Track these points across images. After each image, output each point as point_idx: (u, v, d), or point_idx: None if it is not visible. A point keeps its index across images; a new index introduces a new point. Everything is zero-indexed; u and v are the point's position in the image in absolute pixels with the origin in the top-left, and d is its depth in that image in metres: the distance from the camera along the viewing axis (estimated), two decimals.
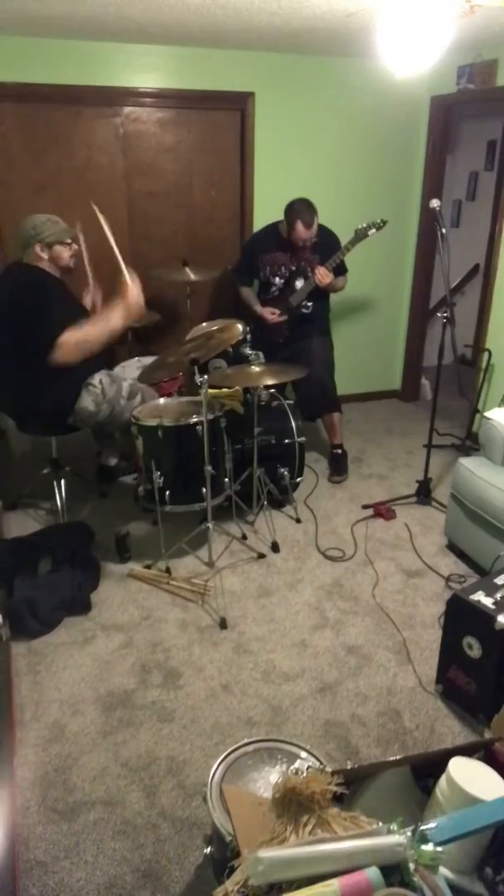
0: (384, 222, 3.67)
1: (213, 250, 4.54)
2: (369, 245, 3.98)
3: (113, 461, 3.90)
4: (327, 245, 3.80)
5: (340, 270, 3.89)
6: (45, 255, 3.08)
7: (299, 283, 3.89)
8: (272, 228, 3.99)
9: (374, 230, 3.66)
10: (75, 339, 2.91)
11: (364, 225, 3.67)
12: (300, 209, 3.69)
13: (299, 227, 3.69)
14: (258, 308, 4.02)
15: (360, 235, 3.67)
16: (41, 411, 3.25)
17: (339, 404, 4.07)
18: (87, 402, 3.20)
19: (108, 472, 3.90)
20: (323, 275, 3.72)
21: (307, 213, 3.67)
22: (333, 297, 4.12)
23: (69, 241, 3.13)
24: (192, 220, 4.51)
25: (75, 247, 3.18)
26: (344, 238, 3.77)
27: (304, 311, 3.92)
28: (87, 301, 3.52)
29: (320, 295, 3.94)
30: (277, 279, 3.97)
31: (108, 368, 3.44)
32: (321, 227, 3.86)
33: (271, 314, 3.94)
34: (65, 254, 3.12)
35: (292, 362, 3.64)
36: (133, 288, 2.98)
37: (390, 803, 1.54)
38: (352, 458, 4.25)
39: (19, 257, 3.14)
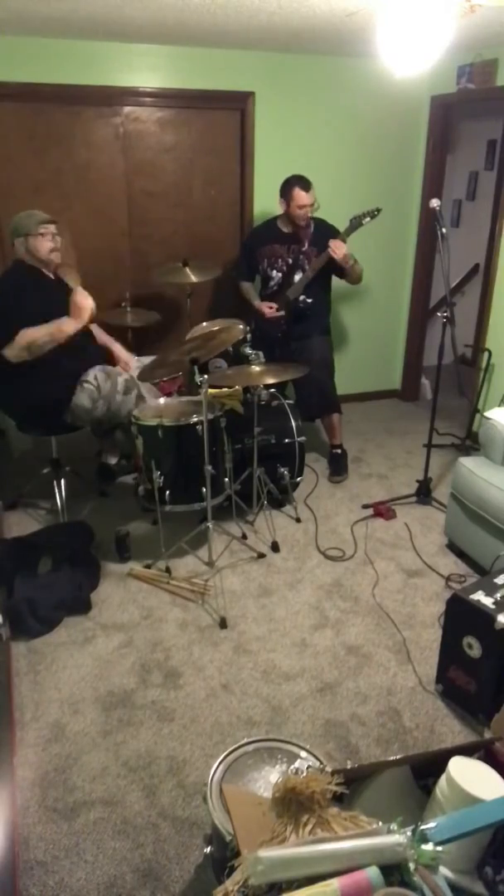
0: (378, 210, 3.68)
1: (213, 250, 4.54)
2: (369, 244, 3.99)
3: (113, 460, 3.90)
4: (326, 237, 3.79)
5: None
6: (22, 249, 3.16)
7: (297, 277, 3.88)
8: (271, 222, 3.99)
9: (368, 218, 3.67)
10: (25, 341, 3.00)
11: (359, 213, 3.67)
12: (295, 178, 3.72)
13: (298, 192, 3.69)
14: (256, 302, 4.03)
15: (355, 224, 3.68)
16: (40, 410, 3.26)
17: (338, 405, 4.07)
18: (82, 398, 3.20)
19: (108, 471, 3.90)
20: (337, 245, 3.66)
21: (303, 180, 3.70)
22: (333, 296, 4.11)
23: (43, 231, 3.14)
24: (191, 219, 4.50)
25: (59, 239, 3.19)
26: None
27: (301, 305, 3.90)
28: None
29: (320, 291, 3.93)
30: (275, 272, 3.97)
31: (104, 363, 3.43)
32: (319, 221, 3.85)
33: (268, 308, 3.94)
34: (41, 245, 3.15)
35: (291, 361, 3.64)
36: (81, 294, 3.14)
37: (390, 803, 1.54)
38: (352, 457, 4.25)
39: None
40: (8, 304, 3.08)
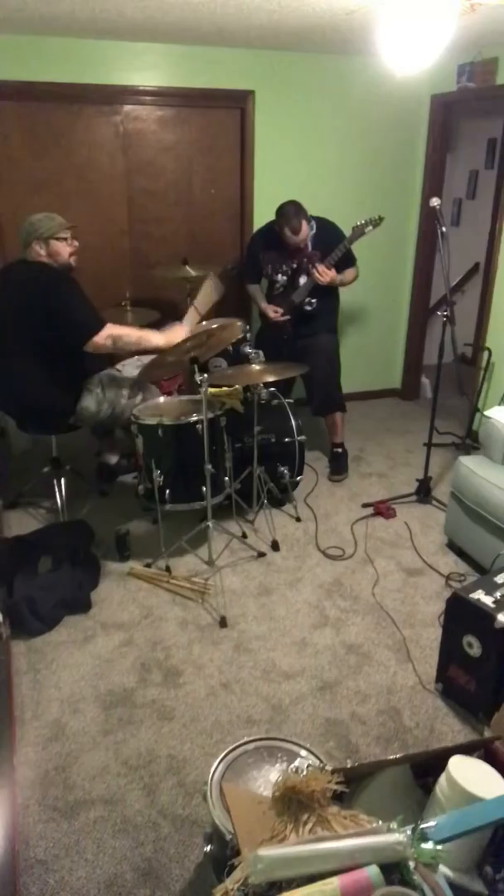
0: (381, 219, 3.66)
1: (213, 249, 4.54)
2: (369, 244, 3.97)
3: (113, 460, 3.91)
4: (328, 239, 3.78)
5: (349, 262, 3.87)
6: (43, 252, 3.06)
7: (302, 280, 3.87)
8: (272, 226, 3.98)
9: (371, 227, 3.65)
10: (116, 333, 3.03)
11: (361, 222, 3.66)
12: (287, 215, 3.67)
13: (287, 233, 3.70)
14: (262, 305, 4.03)
15: (358, 233, 3.67)
16: (44, 412, 3.26)
17: (342, 404, 4.08)
18: (88, 401, 3.21)
19: (108, 470, 3.90)
20: (322, 273, 3.70)
21: (294, 219, 3.65)
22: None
23: (65, 236, 3.08)
24: (192, 218, 4.50)
25: (76, 244, 3.15)
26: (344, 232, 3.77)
27: (307, 308, 3.91)
28: None
29: (325, 292, 3.92)
30: (280, 276, 3.96)
31: (108, 367, 3.44)
32: (321, 221, 3.84)
33: (273, 312, 3.94)
34: (63, 250, 3.09)
35: (298, 359, 3.64)
36: (182, 329, 3.21)
37: (390, 802, 1.54)
38: (352, 456, 4.25)
39: (23, 257, 3.13)
40: (87, 298, 3.06)
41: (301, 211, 3.68)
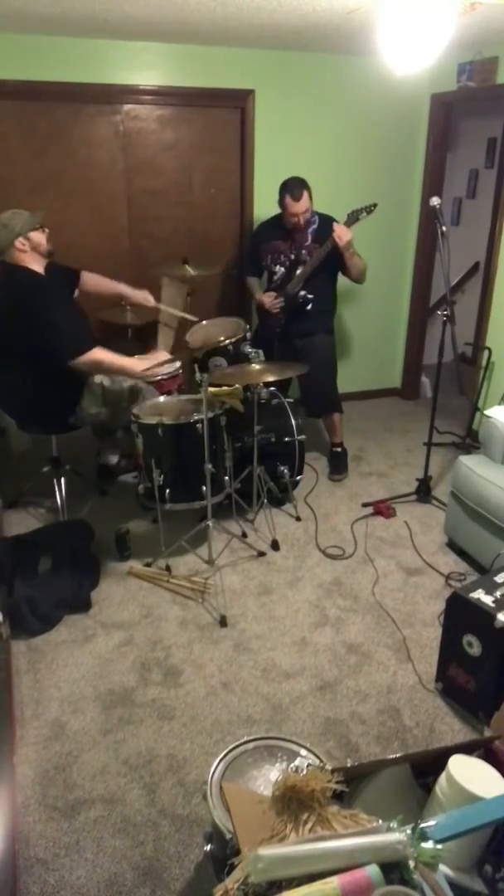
0: (374, 206, 3.69)
1: (213, 248, 4.53)
2: (370, 243, 3.98)
3: (113, 459, 3.90)
4: (328, 232, 3.79)
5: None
6: (26, 248, 3.03)
7: (298, 271, 3.88)
8: (275, 218, 4.00)
9: (364, 213, 3.68)
10: (100, 358, 3.03)
11: (356, 208, 3.68)
12: (289, 184, 3.73)
13: (288, 200, 3.72)
14: (258, 294, 4.03)
15: (352, 219, 3.69)
16: (44, 412, 3.26)
17: (339, 405, 4.08)
18: (88, 402, 3.21)
19: (108, 470, 3.90)
20: (343, 230, 3.63)
21: (296, 188, 3.69)
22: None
23: (39, 225, 3.06)
24: (192, 217, 4.50)
25: (47, 230, 3.11)
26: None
27: (300, 300, 3.89)
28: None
29: (322, 288, 3.92)
30: (278, 267, 3.97)
31: None
32: (322, 216, 3.85)
33: (268, 297, 3.94)
34: (42, 239, 3.07)
35: (295, 359, 3.63)
36: (161, 357, 3.28)
37: (390, 801, 1.54)
38: (352, 456, 4.25)
39: (2, 259, 3.09)
40: (73, 314, 3.05)
41: (305, 184, 3.71)
